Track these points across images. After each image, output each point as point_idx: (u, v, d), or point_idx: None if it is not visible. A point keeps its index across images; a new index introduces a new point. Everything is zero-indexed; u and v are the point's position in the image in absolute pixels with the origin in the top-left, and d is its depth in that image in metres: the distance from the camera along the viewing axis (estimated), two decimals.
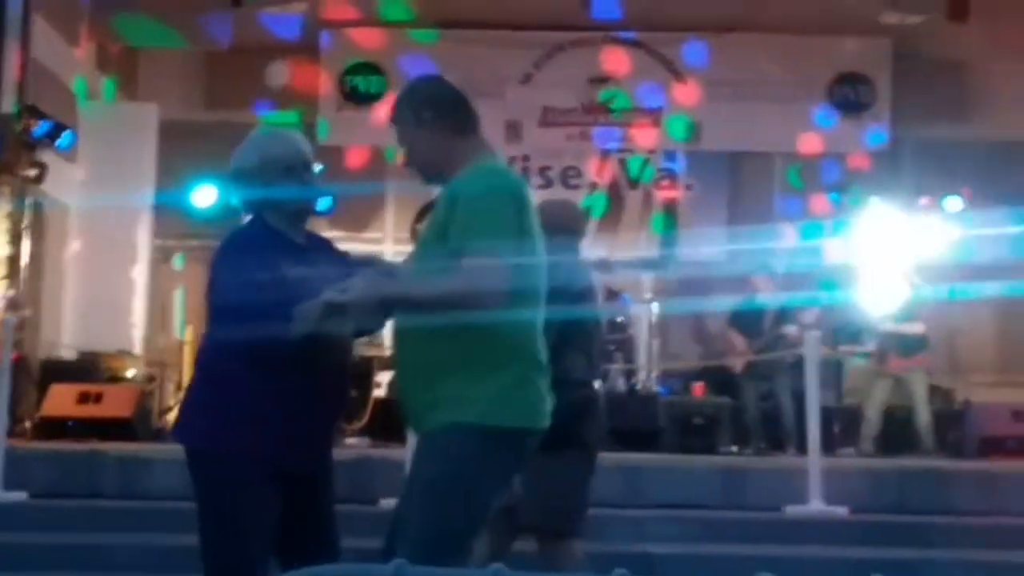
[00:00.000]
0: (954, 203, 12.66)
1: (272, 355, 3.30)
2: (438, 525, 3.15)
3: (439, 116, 3.39)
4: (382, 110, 13.60)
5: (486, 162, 3.41)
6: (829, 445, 9.29)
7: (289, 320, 3.18)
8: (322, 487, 3.56)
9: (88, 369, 11.05)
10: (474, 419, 3.18)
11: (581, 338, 4.88)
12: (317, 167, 3.68)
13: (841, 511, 7.45)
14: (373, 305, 3.21)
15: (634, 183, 13.96)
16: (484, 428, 3.18)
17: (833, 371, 11.20)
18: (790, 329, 10.42)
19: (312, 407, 3.44)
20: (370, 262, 3.66)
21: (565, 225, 4.95)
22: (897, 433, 10.58)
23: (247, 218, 3.65)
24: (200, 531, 3.44)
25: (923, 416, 10.36)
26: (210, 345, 3.55)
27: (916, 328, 10.60)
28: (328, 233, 10.63)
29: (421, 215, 3.85)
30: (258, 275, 3.31)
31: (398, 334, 3.36)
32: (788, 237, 13.79)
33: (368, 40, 13.98)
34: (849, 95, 13.81)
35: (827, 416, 9.08)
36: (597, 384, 5.16)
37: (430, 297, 3.22)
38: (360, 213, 13.36)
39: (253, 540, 3.24)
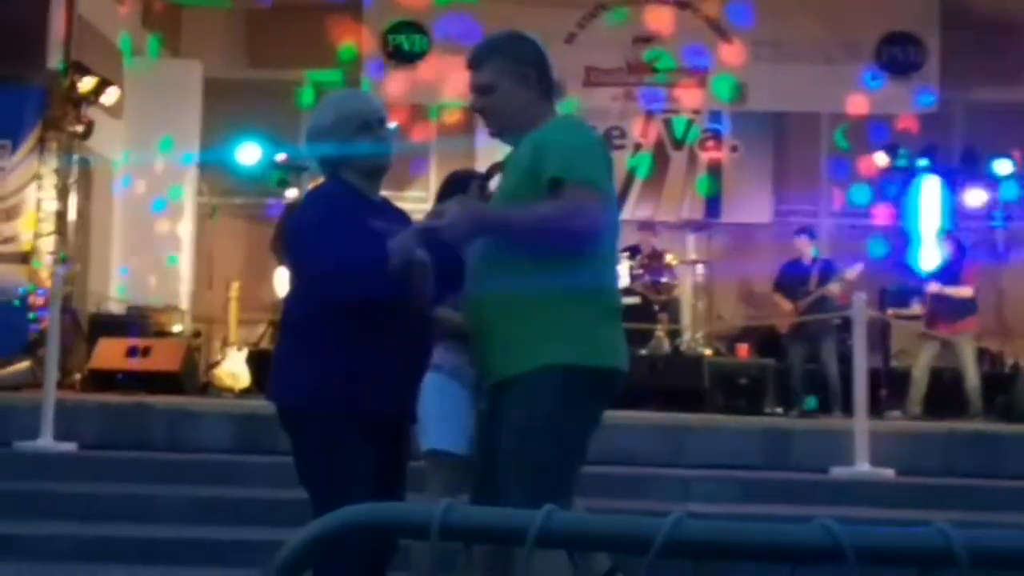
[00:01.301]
0: (1004, 165, 12.49)
1: (368, 307, 3.31)
2: (541, 468, 3.15)
3: (541, 77, 3.43)
4: (425, 68, 13.59)
5: (561, 118, 3.47)
6: (875, 407, 9.23)
7: (383, 272, 3.20)
8: (406, 431, 3.65)
9: (136, 323, 11.16)
10: (565, 359, 3.17)
11: None
12: (391, 124, 3.69)
13: (887, 473, 7.41)
14: (467, 232, 3.18)
15: (679, 144, 13.85)
16: (576, 368, 3.18)
17: (880, 333, 11.10)
18: (832, 287, 10.36)
19: (400, 357, 3.44)
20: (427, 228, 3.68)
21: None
22: (945, 396, 10.50)
23: (320, 178, 3.69)
24: (306, 487, 3.46)
25: (972, 379, 10.28)
26: (298, 302, 3.54)
27: (964, 291, 10.49)
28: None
29: (486, 178, 3.82)
30: (346, 230, 3.30)
31: (478, 279, 3.33)
32: (835, 199, 13.69)
33: None
34: (897, 55, 13.61)
35: (874, 378, 9.01)
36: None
37: (528, 223, 3.20)
38: (403, 172, 13.37)
39: (356, 490, 3.13)
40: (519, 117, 3.40)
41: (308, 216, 3.49)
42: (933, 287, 10.57)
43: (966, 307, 10.51)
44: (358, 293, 3.27)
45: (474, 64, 3.44)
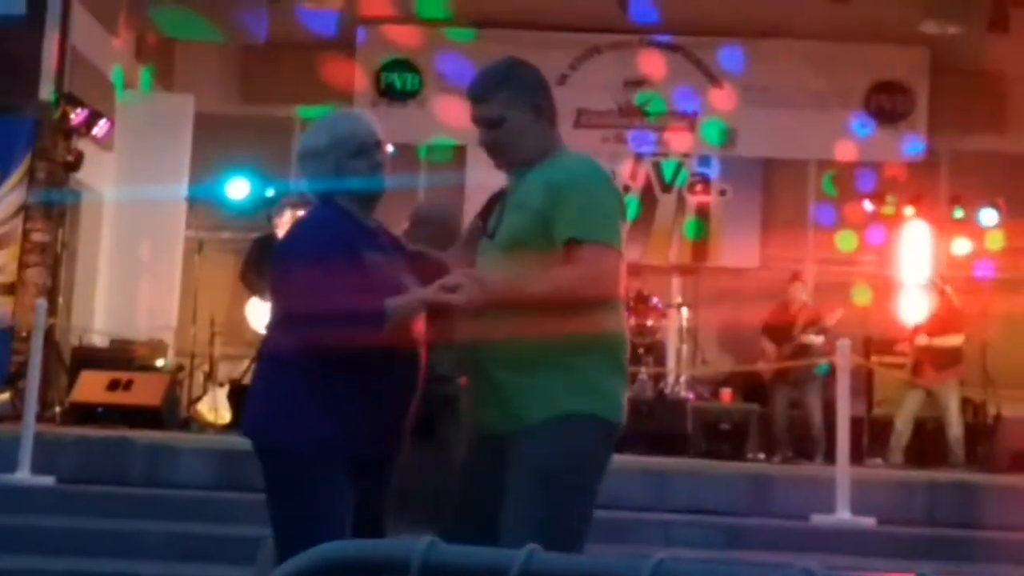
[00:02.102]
0: (990, 215, 12.55)
1: (354, 349, 3.21)
2: (557, 516, 3.08)
3: (549, 106, 3.36)
4: (415, 107, 13.65)
5: (570, 153, 3.40)
6: (858, 455, 9.23)
7: (376, 315, 3.16)
8: (388, 472, 3.53)
9: (119, 357, 11.10)
10: (584, 410, 3.14)
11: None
12: (389, 148, 3.59)
13: (868, 521, 7.40)
14: (481, 307, 3.09)
15: (668, 187, 13.90)
16: (593, 419, 3.16)
17: (863, 381, 11.12)
18: (814, 337, 10.39)
19: (388, 397, 3.36)
20: (420, 254, 3.63)
21: (451, 229, 5.06)
22: (926, 445, 10.51)
23: (311, 202, 3.61)
24: (276, 526, 3.35)
25: (955, 429, 10.29)
26: (284, 334, 3.37)
27: (952, 341, 10.52)
28: None
29: (487, 210, 3.67)
30: (345, 269, 3.22)
31: (491, 329, 3.20)
32: (821, 245, 13.73)
33: (404, 37, 13.99)
34: (886, 104, 13.71)
35: (856, 426, 9.01)
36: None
37: (545, 293, 3.14)
38: (392, 209, 13.37)
39: (333, 533, 3.11)
40: (530, 150, 3.31)
41: (305, 247, 3.36)
42: (920, 336, 10.60)
43: (952, 356, 10.53)
44: (350, 341, 3.17)
45: (478, 98, 3.33)
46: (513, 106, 3.29)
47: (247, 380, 10.93)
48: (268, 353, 3.50)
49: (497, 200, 3.52)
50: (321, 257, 3.25)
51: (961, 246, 12.74)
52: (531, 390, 3.15)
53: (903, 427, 10.44)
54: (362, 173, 3.41)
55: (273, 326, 3.55)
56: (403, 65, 13.93)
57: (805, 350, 10.42)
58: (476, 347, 3.25)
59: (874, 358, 11.45)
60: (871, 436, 10.68)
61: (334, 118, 3.63)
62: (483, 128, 3.32)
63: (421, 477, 4.88)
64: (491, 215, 3.44)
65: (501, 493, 3.14)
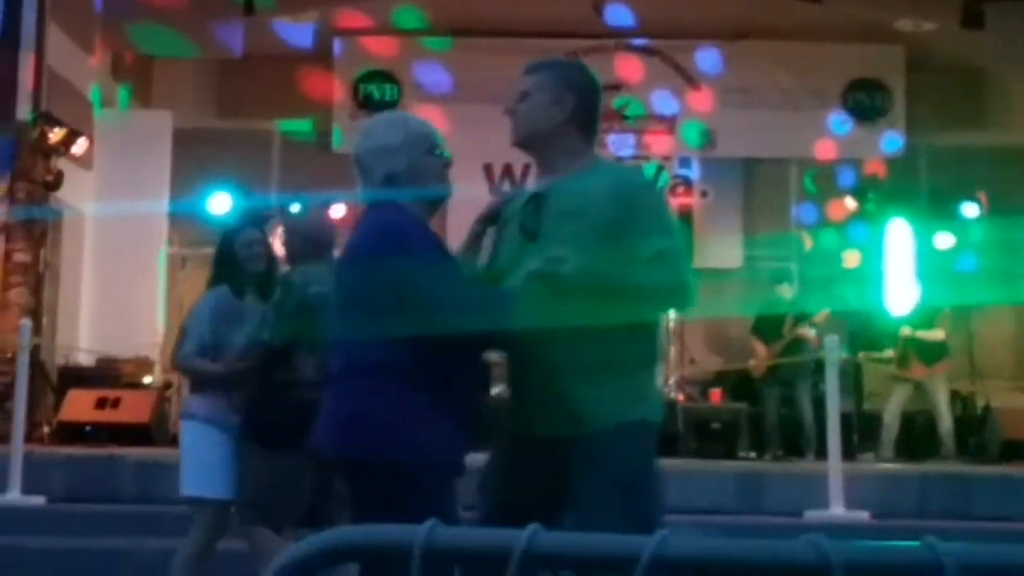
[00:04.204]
0: (970, 208, 12.61)
1: (478, 347, 3.15)
2: (633, 524, 2.97)
3: (580, 109, 3.31)
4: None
5: (610, 161, 3.43)
6: (849, 450, 9.24)
7: (506, 297, 3.06)
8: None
9: (106, 375, 11.06)
10: (643, 416, 3.13)
11: (315, 341, 4.88)
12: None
13: (862, 516, 7.41)
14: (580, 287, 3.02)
15: None
16: (649, 424, 3.15)
17: (852, 376, 11.14)
18: (807, 331, 10.41)
19: (475, 400, 3.27)
20: None
21: (326, 239, 5.23)
22: (917, 438, 10.54)
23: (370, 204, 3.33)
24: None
25: (945, 421, 10.32)
26: (380, 343, 3.10)
27: (937, 335, 10.56)
28: (342, 240, 10.66)
29: (487, 217, 3.51)
30: (445, 254, 3.17)
31: (545, 334, 3.10)
32: (804, 243, 13.77)
33: (381, 48, 13.99)
34: (864, 101, 13.78)
35: (846, 421, 9.03)
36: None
37: (639, 286, 3.12)
38: None
39: None
40: (540, 135, 3.30)
41: (405, 244, 3.13)
42: (906, 331, 10.63)
43: (940, 350, 10.57)
44: (490, 330, 3.07)
45: (526, 71, 3.38)
46: (543, 88, 3.31)
47: None
48: (372, 364, 3.14)
49: (496, 209, 3.43)
50: (428, 249, 3.15)
51: (942, 240, 12.79)
52: (596, 393, 3.10)
53: (892, 422, 10.47)
54: (435, 171, 3.31)
55: (370, 335, 3.17)
56: (381, 76, 13.93)
57: (794, 345, 10.45)
58: (540, 343, 3.13)
59: (861, 354, 11.48)
60: (861, 431, 10.69)
61: (399, 117, 3.51)
62: (516, 97, 3.34)
63: (286, 484, 4.92)
64: (501, 220, 3.38)
65: (552, 497, 3.11)
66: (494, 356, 3.84)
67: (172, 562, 5.09)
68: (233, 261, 5.22)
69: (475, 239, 3.43)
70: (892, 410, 10.53)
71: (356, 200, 3.38)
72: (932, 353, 10.49)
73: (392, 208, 3.22)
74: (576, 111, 3.29)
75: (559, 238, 3.13)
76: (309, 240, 5.21)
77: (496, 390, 9.85)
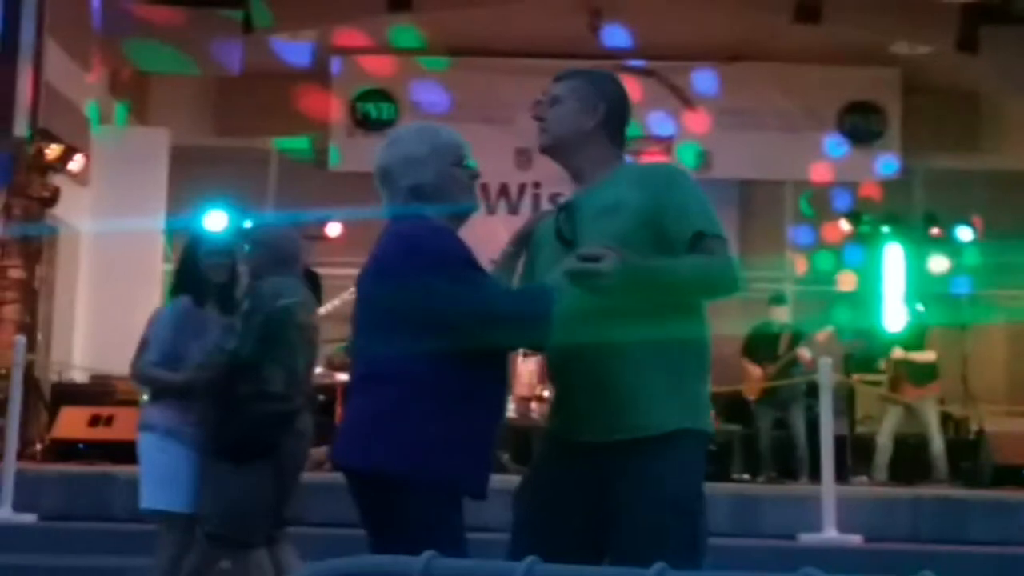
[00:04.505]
0: (965, 232, 12.65)
1: (498, 358, 3.08)
2: (687, 535, 2.99)
3: (610, 118, 3.29)
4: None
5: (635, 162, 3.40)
6: (842, 473, 9.25)
7: (546, 296, 2.95)
8: None
9: (100, 392, 11.02)
10: (693, 425, 3.07)
11: (284, 353, 4.99)
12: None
13: (855, 539, 7.41)
14: (623, 282, 2.89)
15: None
16: (701, 434, 3.10)
17: (846, 399, 11.15)
18: (803, 352, 10.41)
19: (499, 418, 3.21)
20: None
21: (293, 253, 5.33)
22: (910, 461, 10.53)
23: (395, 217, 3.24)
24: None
25: (936, 444, 10.32)
26: (404, 356, 3.00)
27: (927, 356, 10.58)
28: (341, 258, 10.65)
29: (521, 237, 3.40)
30: (477, 265, 3.07)
31: (591, 332, 3.04)
32: (799, 265, 13.80)
33: (379, 67, 14.03)
34: (859, 124, 13.83)
35: (840, 444, 9.04)
36: (302, 400, 5.19)
37: (687, 276, 3.06)
38: (370, 240, 13.36)
39: None
40: (569, 142, 3.26)
41: (438, 252, 3.04)
42: (897, 353, 10.64)
43: (930, 372, 10.58)
44: (535, 334, 3.02)
45: (557, 78, 3.37)
46: (574, 95, 3.29)
47: None
48: (393, 376, 3.03)
49: (530, 228, 3.38)
50: (460, 259, 3.04)
51: (937, 263, 12.82)
52: (645, 397, 3.02)
53: (885, 443, 10.47)
54: (463, 183, 3.24)
55: (399, 348, 3.05)
56: (378, 95, 13.96)
57: (790, 366, 10.45)
58: (591, 346, 3.05)
59: (855, 376, 11.49)
60: (855, 454, 10.68)
61: (428, 127, 3.39)
62: (545, 103, 3.33)
63: (256, 499, 4.91)
64: (535, 240, 3.33)
65: (591, 507, 3.04)
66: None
67: None
68: (196, 269, 5.19)
69: (510, 259, 3.38)
70: (885, 432, 10.53)
71: (380, 214, 3.32)
72: (922, 375, 10.51)
73: (418, 219, 3.13)
74: (606, 120, 3.27)
75: (596, 238, 3.04)
76: (277, 254, 5.22)
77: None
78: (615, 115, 3.31)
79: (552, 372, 3.29)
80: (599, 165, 3.25)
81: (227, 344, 4.96)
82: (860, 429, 11.46)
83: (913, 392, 10.49)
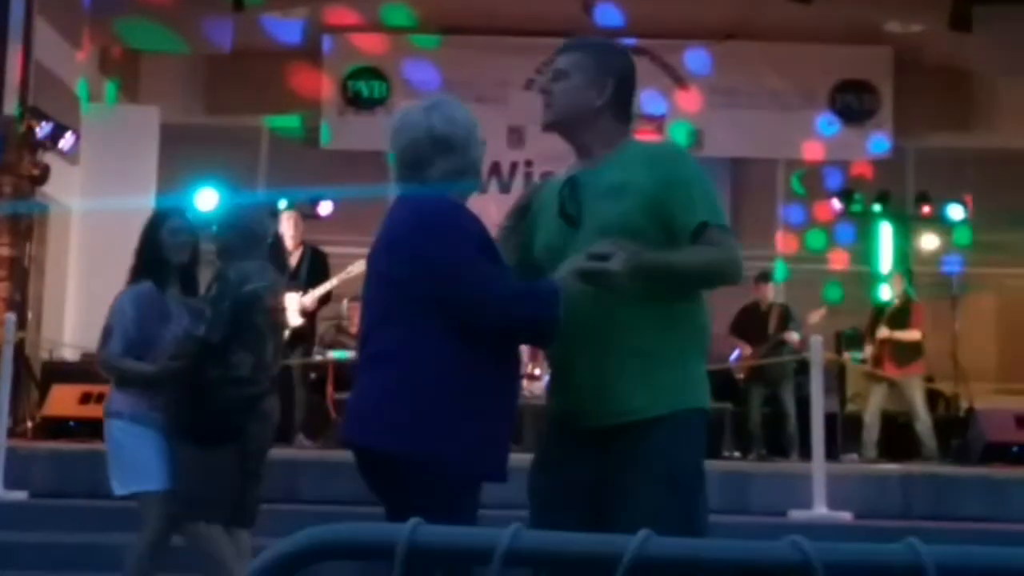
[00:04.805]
0: (956, 211, 12.66)
1: (510, 342, 3.05)
2: (691, 513, 3.00)
3: (618, 94, 3.23)
4: (383, 114, 13.63)
5: (642, 140, 3.33)
6: (833, 450, 9.28)
7: (552, 292, 2.94)
8: None
9: (90, 370, 10.98)
10: (695, 403, 3.08)
11: (252, 338, 5.01)
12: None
13: (845, 516, 7.43)
14: (631, 278, 2.90)
15: None
16: (702, 412, 3.11)
17: (836, 377, 11.18)
18: (791, 336, 10.44)
19: (514, 398, 3.17)
20: None
21: (262, 235, 5.28)
22: (900, 439, 10.58)
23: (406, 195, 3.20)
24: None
25: (923, 421, 10.37)
26: (442, 339, 2.97)
27: (913, 335, 10.60)
28: (330, 237, 10.64)
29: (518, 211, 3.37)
30: (495, 249, 3.07)
31: (592, 320, 3.04)
32: (791, 243, 13.81)
33: (370, 45, 13.98)
34: (852, 103, 13.82)
35: (830, 422, 9.06)
36: (268, 384, 5.20)
37: (692, 269, 3.06)
38: (362, 218, 13.34)
39: None
40: (575, 118, 3.21)
41: (461, 234, 3.03)
42: (883, 332, 10.67)
43: (913, 350, 10.61)
44: (534, 327, 3.00)
45: (562, 49, 3.29)
46: (581, 69, 3.21)
47: None
48: (410, 354, 3.00)
49: (526, 202, 3.35)
50: (481, 243, 3.04)
51: (929, 241, 12.85)
52: (648, 381, 3.02)
53: (872, 422, 10.53)
54: (480, 162, 3.28)
55: (412, 326, 3.03)
56: (370, 73, 13.92)
57: (779, 347, 10.47)
58: (587, 329, 3.03)
59: (845, 354, 11.52)
60: (844, 431, 10.72)
61: (454, 104, 3.33)
62: (549, 76, 3.27)
63: (219, 482, 4.93)
64: (532, 211, 3.30)
65: (600, 491, 3.04)
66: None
67: (126, 557, 5.12)
68: (158, 248, 5.12)
69: (508, 233, 3.35)
70: (871, 410, 10.59)
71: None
72: (906, 353, 10.54)
73: (450, 200, 3.12)
74: (614, 96, 3.21)
75: (601, 219, 3.05)
76: (246, 236, 5.19)
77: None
78: (623, 91, 3.24)
79: (553, 356, 3.26)
80: (605, 142, 3.20)
81: (197, 331, 4.93)
82: (851, 407, 11.50)
83: (895, 370, 10.52)
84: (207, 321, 4.92)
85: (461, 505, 2.92)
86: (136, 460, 4.95)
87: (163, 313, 5.08)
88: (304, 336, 9.72)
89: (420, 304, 2.98)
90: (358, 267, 9.85)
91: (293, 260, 9.82)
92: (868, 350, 11.00)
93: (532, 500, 3.17)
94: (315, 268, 9.73)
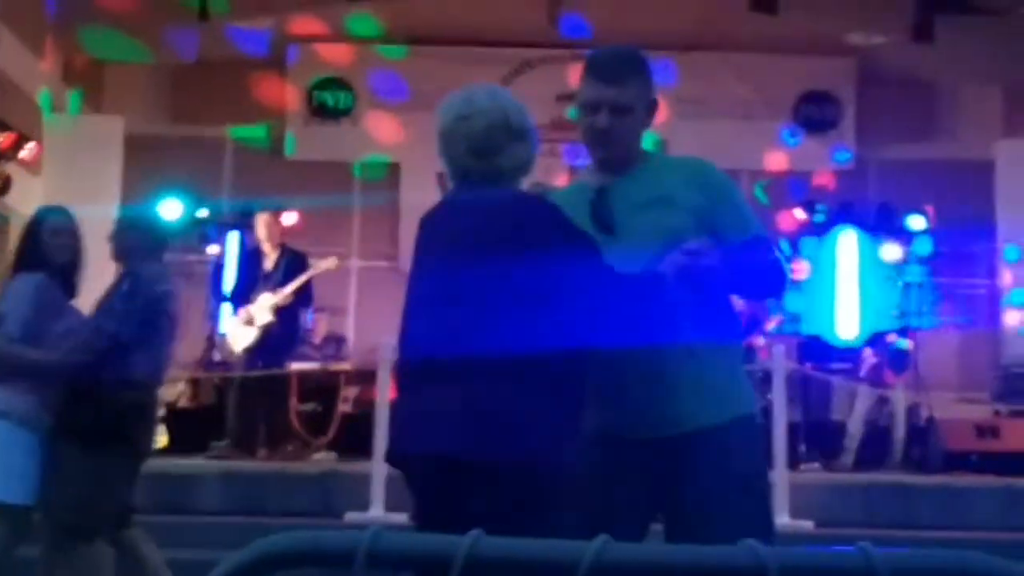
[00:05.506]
0: (918, 221, 12.77)
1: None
2: (764, 516, 3.04)
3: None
4: (348, 125, 13.62)
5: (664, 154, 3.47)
6: (794, 460, 9.33)
7: (656, 283, 2.89)
8: None
9: None
10: (750, 409, 3.12)
11: (156, 339, 4.96)
12: None
13: (807, 524, 7.48)
14: (697, 279, 2.90)
15: None
16: (755, 415, 3.17)
17: (799, 386, 11.23)
18: (756, 339, 10.51)
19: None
20: None
21: (165, 237, 5.39)
22: (864, 447, 10.65)
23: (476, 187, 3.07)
24: None
25: (901, 431, 10.47)
26: (526, 341, 2.76)
27: (902, 344, 10.72)
28: (295, 247, 10.61)
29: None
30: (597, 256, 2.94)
31: (661, 325, 2.96)
32: None
33: (336, 56, 13.97)
34: (814, 114, 13.93)
35: (793, 430, 9.12)
36: (159, 388, 5.21)
37: (749, 274, 3.08)
38: (327, 228, 13.33)
39: None
40: (635, 148, 3.20)
41: (567, 227, 2.92)
42: (872, 340, 10.80)
43: (902, 359, 10.74)
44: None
45: (615, 79, 3.10)
46: (642, 98, 3.16)
47: (183, 403, 10.90)
48: (515, 363, 2.75)
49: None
50: (583, 240, 2.94)
51: (890, 252, 12.94)
52: (710, 389, 3.00)
53: (856, 430, 10.59)
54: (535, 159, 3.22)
55: (524, 328, 2.81)
56: (335, 83, 13.91)
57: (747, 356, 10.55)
58: (643, 340, 2.96)
59: (808, 364, 11.58)
60: (808, 441, 10.78)
61: (509, 95, 3.23)
62: (607, 112, 3.08)
63: (105, 488, 4.77)
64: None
65: (651, 502, 3.03)
66: None
67: None
68: (38, 247, 5.02)
69: None
70: (856, 419, 10.65)
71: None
72: (895, 362, 10.66)
73: (530, 194, 3.11)
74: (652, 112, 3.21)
75: (648, 229, 3.00)
76: (148, 239, 5.16)
77: None
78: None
79: (601, 368, 3.00)
80: (633, 153, 3.21)
81: (108, 327, 4.82)
82: (814, 416, 11.54)
83: (893, 378, 10.66)
84: (118, 317, 4.81)
85: (561, 516, 2.80)
86: (7, 467, 4.69)
87: (59, 307, 4.94)
88: (273, 343, 9.73)
89: (534, 303, 2.80)
90: (328, 263, 9.89)
91: (270, 262, 9.86)
92: (842, 361, 11.09)
93: (582, 516, 2.88)
94: (292, 269, 9.77)
